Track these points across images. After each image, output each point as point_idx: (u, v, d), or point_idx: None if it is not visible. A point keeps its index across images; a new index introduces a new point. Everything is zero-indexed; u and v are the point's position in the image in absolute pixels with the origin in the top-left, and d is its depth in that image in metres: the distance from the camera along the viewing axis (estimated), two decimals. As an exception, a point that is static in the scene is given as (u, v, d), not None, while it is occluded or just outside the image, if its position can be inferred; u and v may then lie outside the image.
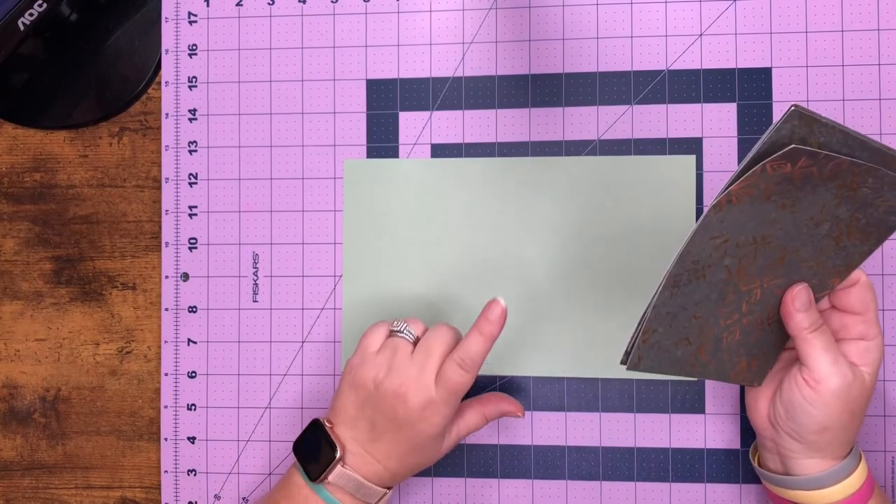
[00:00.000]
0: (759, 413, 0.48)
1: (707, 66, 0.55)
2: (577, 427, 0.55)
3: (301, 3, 0.58)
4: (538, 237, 0.55)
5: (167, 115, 0.58)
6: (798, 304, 0.44)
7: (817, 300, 0.45)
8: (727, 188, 0.39)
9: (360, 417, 0.48)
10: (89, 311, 0.59)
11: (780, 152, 0.38)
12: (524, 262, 0.55)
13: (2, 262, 0.60)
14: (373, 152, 0.57)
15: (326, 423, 0.48)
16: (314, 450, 0.48)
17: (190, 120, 0.58)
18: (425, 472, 0.56)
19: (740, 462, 0.54)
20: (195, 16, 0.58)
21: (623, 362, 0.43)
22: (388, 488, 0.49)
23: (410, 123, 0.57)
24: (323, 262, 0.57)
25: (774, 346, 0.47)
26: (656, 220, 0.55)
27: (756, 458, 0.50)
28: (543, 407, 0.55)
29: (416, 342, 0.48)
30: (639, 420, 0.55)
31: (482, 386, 0.55)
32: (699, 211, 0.54)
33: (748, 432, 0.54)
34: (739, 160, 0.54)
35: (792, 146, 0.38)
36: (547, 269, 0.55)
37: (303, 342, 0.57)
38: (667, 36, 0.55)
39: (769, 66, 0.55)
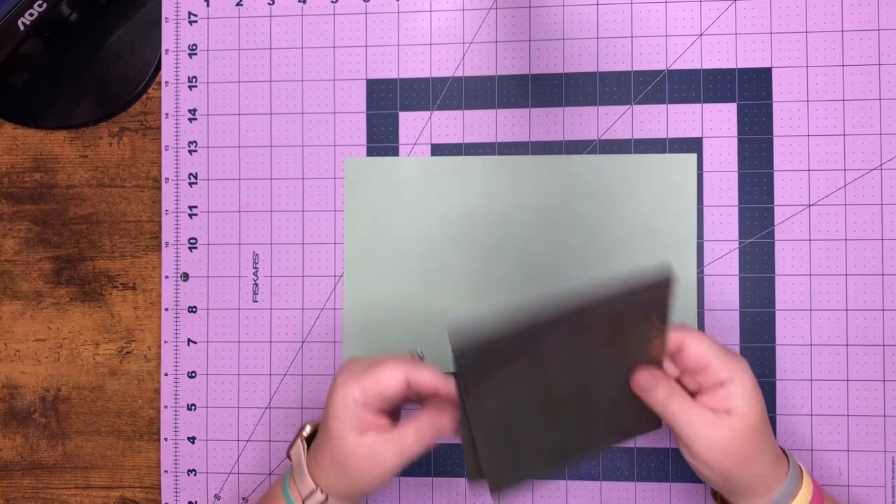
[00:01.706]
0: (691, 465, 0.47)
1: (707, 66, 0.55)
2: (577, 427, 0.55)
3: (301, 3, 0.58)
4: (538, 236, 0.55)
5: (167, 115, 0.58)
6: (642, 388, 0.44)
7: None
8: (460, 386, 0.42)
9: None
10: (89, 311, 0.59)
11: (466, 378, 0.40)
12: (524, 261, 0.55)
13: (2, 262, 0.60)
14: (373, 152, 0.57)
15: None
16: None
17: (190, 120, 0.58)
18: (425, 472, 0.56)
19: (740, 462, 0.54)
20: (195, 16, 0.58)
21: (472, 480, 0.44)
22: (323, 493, 0.47)
23: (410, 123, 0.57)
24: (323, 262, 0.57)
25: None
26: (657, 220, 0.55)
27: (714, 497, 0.51)
28: (543, 407, 0.55)
29: None
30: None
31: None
32: (700, 210, 0.55)
33: (748, 432, 0.54)
34: (739, 160, 0.54)
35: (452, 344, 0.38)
36: (547, 269, 0.55)
37: (303, 342, 0.57)
38: (667, 36, 0.55)
39: (769, 66, 0.55)
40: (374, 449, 0.45)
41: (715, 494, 0.51)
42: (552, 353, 0.42)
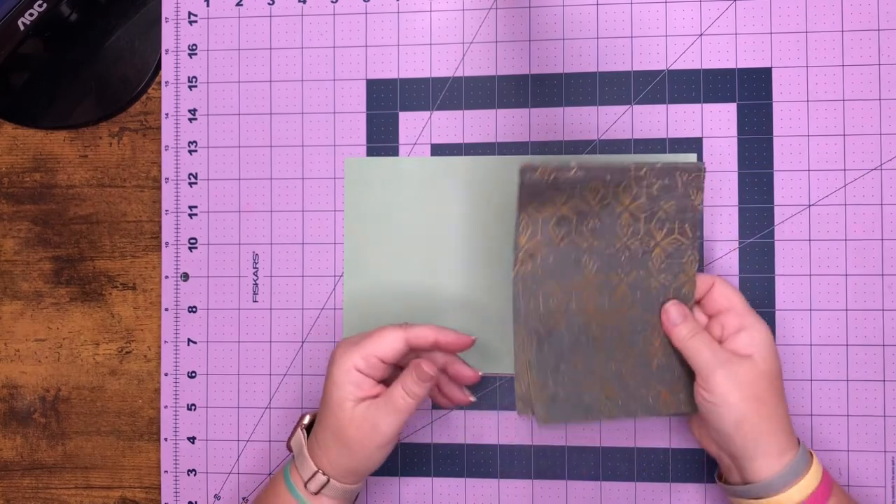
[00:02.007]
0: (700, 436, 0.50)
1: (707, 66, 0.55)
2: (577, 427, 0.55)
3: (301, 3, 0.58)
4: (538, 237, 0.55)
5: (167, 115, 0.58)
6: (673, 319, 0.47)
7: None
8: (517, 246, 0.45)
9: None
10: (89, 311, 0.59)
11: (524, 198, 0.44)
12: (524, 262, 0.55)
13: (2, 262, 0.60)
14: (373, 152, 0.57)
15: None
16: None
17: (190, 120, 0.58)
18: (425, 472, 0.56)
19: (740, 462, 0.54)
20: (195, 16, 0.58)
21: (522, 412, 0.47)
22: (325, 474, 0.48)
23: (410, 123, 0.57)
24: (323, 262, 0.57)
25: (683, 369, 0.48)
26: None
27: (719, 478, 0.50)
28: (543, 407, 0.55)
29: None
30: (638, 420, 0.55)
31: (483, 384, 0.55)
32: (700, 210, 0.54)
33: (748, 432, 0.54)
34: (739, 160, 0.54)
35: (521, 168, 0.43)
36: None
37: (303, 342, 0.57)
38: (667, 36, 0.55)
39: (769, 66, 0.55)
40: (370, 414, 0.46)
41: (720, 476, 0.50)
42: (598, 248, 0.46)
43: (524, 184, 0.44)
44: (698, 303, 0.49)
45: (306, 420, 0.50)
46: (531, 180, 0.44)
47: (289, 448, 0.50)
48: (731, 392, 0.45)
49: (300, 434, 0.49)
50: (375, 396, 0.47)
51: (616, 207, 0.46)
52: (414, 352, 0.49)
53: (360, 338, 0.48)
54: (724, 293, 0.47)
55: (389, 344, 0.47)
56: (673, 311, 0.47)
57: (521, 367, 0.47)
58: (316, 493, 0.47)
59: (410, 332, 0.47)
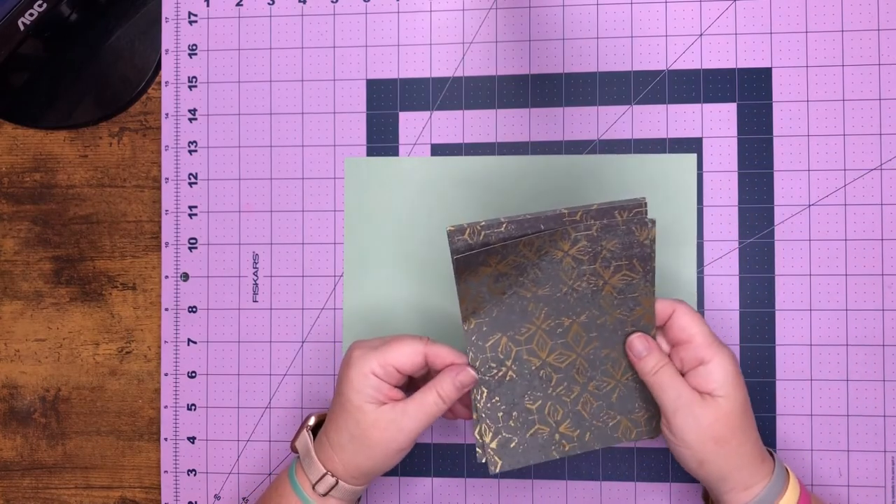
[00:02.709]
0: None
1: (707, 66, 0.55)
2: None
3: (301, 3, 0.58)
4: (538, 237, 0.55)
5: (167, 115, 0.58)
6: (637, 352, 0.46)
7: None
8: (461, 306, 0.45)
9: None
10: (89, 311, 0.59)
11: (460, 267, 0.43)
12: (524, 262, 0.55)
13: (2, 262, 0.60)
14: (373, 152, 0.57)
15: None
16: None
17: (190, 120, 0.58)
18: (425, 472, 0.56)
19: (740, 462, 0.54)
20: (195, 16, 0.58)
21: (480, 459, 0.48)
22: (333, 476, 0.47)
23: (410, 123, 0.57)
24: (323, 262, 0.57)
25: (642, 395, 0.48)
26: (657, 219, 0.54)
27: (705, 500, 0.51)
28: (543, 407, 0.55)
29: None
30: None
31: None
32: (700, 210, 0.55)
33: (748, 432, 0.54)
34: (739, 160, 0.54)
35: (449, 232, 0.43)
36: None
37: (303, 342, 0.57)
38: (667, 36, 0.55)
39: (769, 66, 0.55)
40: (395, 417, 0.46)
41: (706, 498, 0.51)
42: (543, 296, 0.46)
43: (456, 249, 0.43)
44: (661, 328, 0.47)
45: (311, 421, 0.50)
46: (461, 244, 0.43)
47: (293, 449, 0.49)
48: (690, 434, 0.44)
49: (306, 436, 0.49)
50: (397, 398, 0.47)
51: (555, 254, 0.45)
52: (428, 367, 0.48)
53: (379, 343, 0.47)
54: (682, 326, 0.45)
55: (409, 357, 0.46)
56: (637, 344, 0.46)
57: (475, 417, 0.47)
58: (324, 495, 0.47)
59: (431, 350, 0.47)
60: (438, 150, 0.56)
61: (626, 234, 0.45)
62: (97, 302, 0.59)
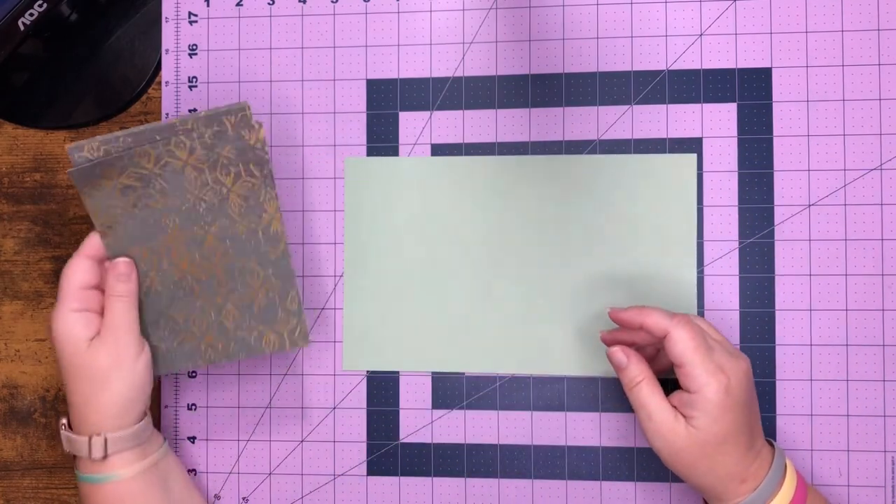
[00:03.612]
0: None
1: (707, 66, 0.55)
2: (577, 427, 0.55)
3: (301, 3, 0.58)
4: (539, 236, 0.55)
5: (167, 115, 0.58)
6: (616, 364, 0.48)
7: None
8: (98, 226, 0.49)
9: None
10: (89, 311, 0.59)
11: (79, 181, 0.48)
12: (524, 260, 0.55)
13: (2, 262, 0.60)
14: (373, 152, 0.57)
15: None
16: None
17: (190, 120, 0.58)
18: (425, 472, 0.56)
19: (740, 462, 0.54)
20: (195, 16, 0.58)
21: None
22: (97, 434, 0.48)
23: (410, 123, 0.57)
24: (323, 262, 0.57)
25: (283, 306, 0.51)
26: (656, 220, 0.55)
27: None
28: (543, 407, 0.55)
29: None
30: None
31: (483, 384, 0.56)
32: (700, 210, 0.55)
33: (748, 432, 0.54)
34: (739, 160, 0.54)
35: (69, 149, 0.47)
36: (547, 268, 0.55)
37: (303, 342, 0.57)
38: (667, 36, 0.55)
39: (769, 66, 0.55)
40: (107, 340, 0.48)
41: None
42: (174, 207, 0.49)
43: (75, 165, 0.47)
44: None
45: (64, 420, 0.50)
46: (81, 160, 0.47)
47: (75, 461, 0.50)
48: (661, 451, 0.46)
49: (64, 433, 0.49)
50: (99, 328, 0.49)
51: (176, 164, 0.48)
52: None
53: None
54: (673, 351, 0.45)
55: (82, 274, 0.49)
56: (614, 357, 0.48)
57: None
58: (104, 458, 0.48)
59: (95, 256, 0.50)
60: (438, 150, 0.56)
61: (237, 139, 0.48)
62: (97, 302, 0.59)
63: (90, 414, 0.48)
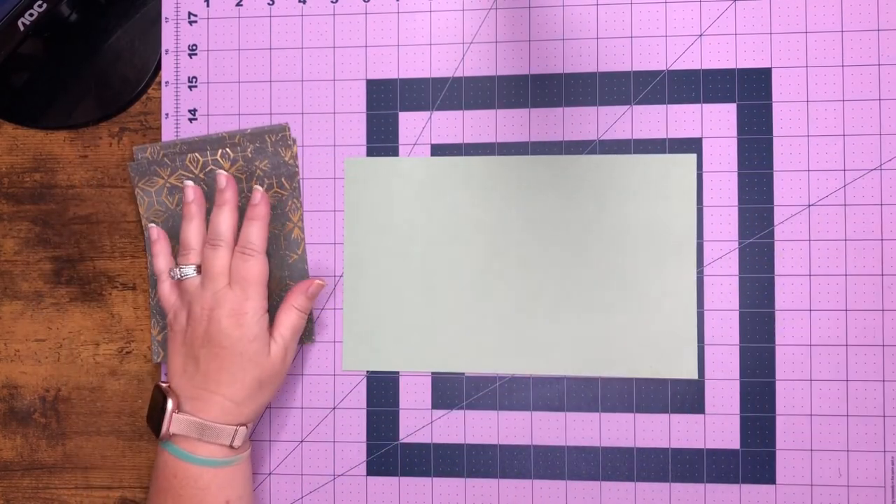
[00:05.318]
0: None
1: (707, 66, 0.55)
2: (576, 427, 0.55)
3: (301, 3, 0.58)
4: (539, 236, 0.55)
5: (167, 115, 0.58)
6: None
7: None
8: (143, 219, 0.56)
9: (188, 360, 0.50)
10: (89, 311, 0.59)
11: (134, 176, 0.56)
12: (524, 260, 0.55)
13: (2, 262, 0.60)
14: (373, 152, 0.57)
15: (162, 384, 0.52)
16: (158, 413, 0.50)
17: (190, 120, 0.58)
18: (425, 472, 0.56)
19: (740, 462, 0.54)
20: (195, 16, 0.58)
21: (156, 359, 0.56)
22: (242, 425, 0.50)
23: (410, 123, 0.57)
24: (323, 262, 0.57)
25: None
26: (656, 220, 0.55)
27: None
28: (543, 407, 0.55)
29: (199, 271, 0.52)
30: (638, 420, 0.55)
31: (483, 384, 0.56)
32: (700, 210, 0.55)
33: (748, 432, 0.54)
34: (739, 160, 0.54)
35: (135, 149, 0.56)
36: (547, 269, 0.55)
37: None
38: (667, 36, 0.55)
39: (769, 66, 0.55)
40: (282, 345, 0.52)
41: None
42: (210, 210, 0.53)
43: (134, 164, 0.55)
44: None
45: (170, 405, 0.50)
46: (141, 160, 0.55)
47: (166, 438, 0.50)
48: None
49: (185, 417, 0.49)
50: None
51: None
52: None
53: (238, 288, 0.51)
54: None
55: (286, 318, 0.53)
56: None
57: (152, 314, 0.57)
58: (240, 446, 0.51)
59: (296, 301, 0.53)
60: (438, 150, 0.56)
61: (273, 155, 0.55)
62: (97, 302, 0.59)
63: (246, 408, 0.50)
